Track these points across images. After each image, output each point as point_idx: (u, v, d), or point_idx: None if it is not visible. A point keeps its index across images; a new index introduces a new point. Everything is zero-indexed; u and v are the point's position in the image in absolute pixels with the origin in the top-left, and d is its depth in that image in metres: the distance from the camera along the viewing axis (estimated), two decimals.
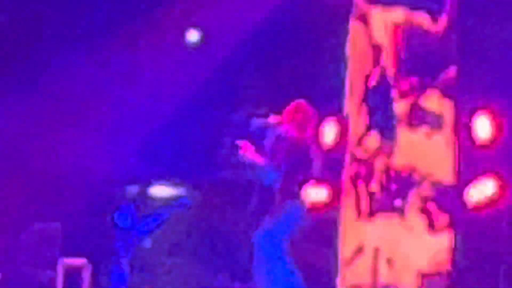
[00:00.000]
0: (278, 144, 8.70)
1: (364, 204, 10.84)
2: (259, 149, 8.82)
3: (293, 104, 8.85)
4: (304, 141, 8.70)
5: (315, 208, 10.69)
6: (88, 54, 11.79)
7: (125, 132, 11.10)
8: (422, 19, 10.79)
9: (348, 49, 10.89)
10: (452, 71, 10.41)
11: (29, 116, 11.61)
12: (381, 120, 10.61)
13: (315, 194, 10.72)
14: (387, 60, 10.67)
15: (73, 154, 11.06)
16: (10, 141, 11.89)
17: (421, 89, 10.25)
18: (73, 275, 10.54)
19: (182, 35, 11.82)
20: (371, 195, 10.73)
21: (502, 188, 10.85)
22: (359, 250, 10.56)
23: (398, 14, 10.85)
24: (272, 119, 8.73)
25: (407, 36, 10.88)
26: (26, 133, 11.71)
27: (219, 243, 11.43)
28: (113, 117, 11.34)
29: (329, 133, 11.13)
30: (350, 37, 10.89)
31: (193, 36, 11.77)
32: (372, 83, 10.56)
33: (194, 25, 11.79)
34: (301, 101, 8.58)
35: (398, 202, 10.96)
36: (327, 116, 10.93)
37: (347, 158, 10.88)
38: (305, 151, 8.74)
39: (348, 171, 10.77)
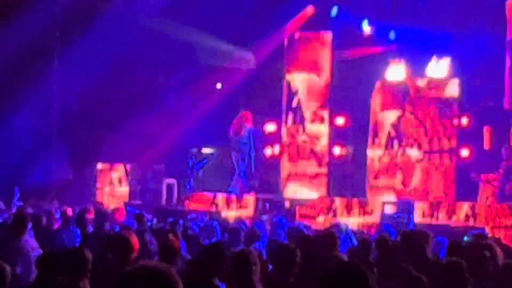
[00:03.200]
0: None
1: None
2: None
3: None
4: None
5: None
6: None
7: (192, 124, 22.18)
8: (314, 77, 20.56)
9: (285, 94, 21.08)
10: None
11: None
12: None
13: None
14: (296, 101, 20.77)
15: (170, 133, 21.94)
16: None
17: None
18: (169, 188, 21.05)
19: None
20: None
21: None
22: None
23: (302, 75, 20.63)
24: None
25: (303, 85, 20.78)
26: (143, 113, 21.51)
27: (226, 169, 21.64)
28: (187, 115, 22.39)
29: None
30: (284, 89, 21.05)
31: None
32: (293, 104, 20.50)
33: None
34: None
35: None
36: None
37: None
38: None
39: None
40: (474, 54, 19.77)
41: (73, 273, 6.23)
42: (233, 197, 19.78)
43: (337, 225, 13.46)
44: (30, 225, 9.83)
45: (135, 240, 7.60)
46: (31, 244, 8.93)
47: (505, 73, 19.99)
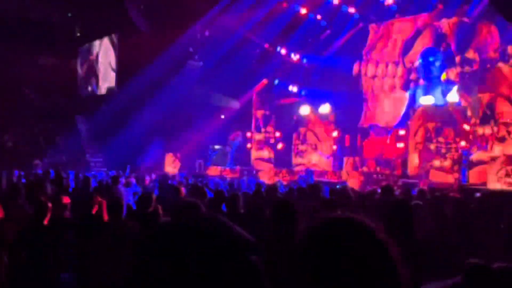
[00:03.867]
0: None
1: None
2: None
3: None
4: None
5: None
6: None
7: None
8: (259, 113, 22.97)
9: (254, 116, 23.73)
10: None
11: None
12: None
13: None
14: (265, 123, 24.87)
15: (200, 138, 22.12)
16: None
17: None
18: (199, 164, 21.62)
19: None
20: None
21: None
22: None
23: (261, 112, 23.25)
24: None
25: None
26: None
27: (226, 157, 22.64)
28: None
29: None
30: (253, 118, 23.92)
31: None
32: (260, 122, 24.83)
33: None
34: None
35: None
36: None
37: None
38: None
39: None
40: (341, 101, 21.65)
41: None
42: (229, 169, 21.29)
43: (278, 181, 14.55)
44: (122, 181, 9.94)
45: (182, 189, 7.23)
46: (121, 190, 8.66)
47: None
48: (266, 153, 22.50)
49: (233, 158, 21.93)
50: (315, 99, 21.57)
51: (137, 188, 9.90)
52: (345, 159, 19.48)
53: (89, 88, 25.86)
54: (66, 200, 5.69)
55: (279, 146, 22.37)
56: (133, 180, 11.33)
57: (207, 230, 0.96)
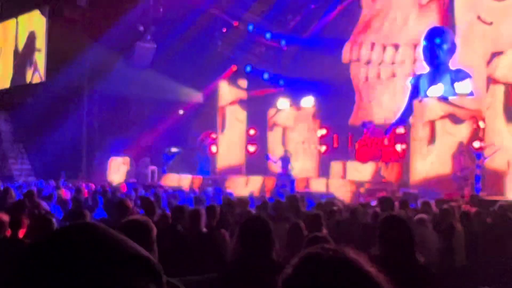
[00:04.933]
0: None
1: None
2: None
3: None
4: None
5: None
6: None
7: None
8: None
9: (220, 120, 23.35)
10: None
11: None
12: None
13: None
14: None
15: (153, 138, 23.65)
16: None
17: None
18: (152, 172, 22.57)
19: None
20: None
21: None
22: None
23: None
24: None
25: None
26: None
27: (187, 162, 23.84)
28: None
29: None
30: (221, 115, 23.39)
31: None
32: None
33: None
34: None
35: None
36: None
37: None
38: None
39: None
40: (327, 92, 22.00)
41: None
42: (189, 176, 21.57)
43: (249, 194, 15.30)
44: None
45: (128, 203, 7.23)
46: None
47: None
48: (235, 158, 23.12)
49: (201, 164, 22.86)
50: (296, 90, 22.26)
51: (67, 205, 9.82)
52: (332, 164, 20.10)
53: (12, 78, 26.27)
54: None
55: (252, 148, 22.94)
56: (67, 193, 11.70)
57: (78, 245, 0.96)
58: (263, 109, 22.97)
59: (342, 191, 17.27)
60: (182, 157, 24.06)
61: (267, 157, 20.48)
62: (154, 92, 23.06)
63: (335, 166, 19.91)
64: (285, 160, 20.08)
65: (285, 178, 19.77)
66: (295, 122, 21.58)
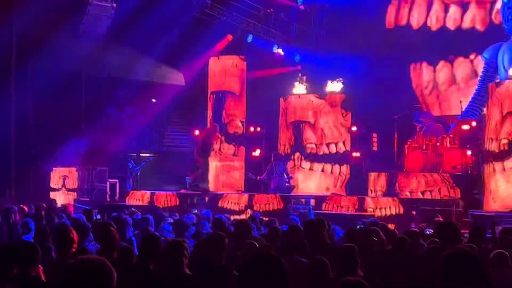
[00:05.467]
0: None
1: None
2: None
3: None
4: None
5: None
6: None
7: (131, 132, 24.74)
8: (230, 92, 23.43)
9: (209, 104, 23.90)
10: (243, 113, 23.33)
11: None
12: None
13: None
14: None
15: (113, 140, 24.33)
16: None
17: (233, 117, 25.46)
18: (112, 186, 23.07)
19: None
20: None
21: None
22: None
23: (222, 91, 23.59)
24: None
25: (224, 101, 23.64)
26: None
27: (163, 172, 25.37)
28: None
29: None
30: (208, 101, 23.88)
31: None
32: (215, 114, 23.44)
33: None
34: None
35: None
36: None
37: None
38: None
39: None
40: (363, 73, 22.61)
41: (26, 262, 6.42)
42: (168, 193, 21.78)
43: (253, 215, 15.00)
44: None
45: (72, 233, 7.66)
46: None
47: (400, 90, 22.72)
48: (232, 166, 24.14)
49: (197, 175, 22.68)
50: (318, 70, 22.96)
51: None
52: (370, 175, 20.55)
53: None
54: None
55: (256, 153, 23.50)
56: None
57: None
58: (271, 96, 23.53)
59: (383, 214, 17.74)
60: (156, 165, 25.14)
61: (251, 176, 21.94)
62: (114, 72, 24.08)
63: (375, 178, 20.33)
64: (278, 167, 21.22)
65: (286, 190, 20.95)
66: (317, 116, 22.14)
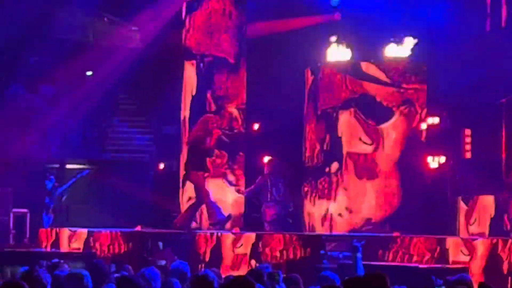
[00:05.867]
0: None
1: None
2: None
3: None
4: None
5: None
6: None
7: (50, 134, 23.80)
8: (225, 60, 22.53)
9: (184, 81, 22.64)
10: (242, 95, 22.41)
11: None
12: None
13: None
14: (208, 85, 22.51)
15: (19, 141, 23.53)
16: None
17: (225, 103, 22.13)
18: (19, 221, 22.20)
19: None
20: None
21: None
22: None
23: (209, 58, 22.60)
24: None
25: (215, 71, 22.68)
26: None
27: (104, 194, 23.77)
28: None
29: None
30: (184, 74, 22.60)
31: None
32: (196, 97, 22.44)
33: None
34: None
35: None
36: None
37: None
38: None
39: None
40: (451, 27, 21.49)
41: None
42: (114, 233, 20.38)
43: (260, 268, 13.66)
44: None
45: None
46: None
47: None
48: (222, 185, 22.76)
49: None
50: (370, 22, 21.74)
51: None
52: (464, 201, 20.11)
53: None
54: None
55: (266, 159, 22.64)
56: None
57: None
58: (290, 67, 22.96)
59: (481, 265, 16.26)
60: (94, 184, 24.41)
61: (239, 190, 22.09)
62: (20, 27, 23.25)
63: (470, 205, 19.95)
64: (276, 183, 21.07)
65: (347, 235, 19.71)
66: (367, 96, 21.26)
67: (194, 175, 20.61)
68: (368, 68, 21.40)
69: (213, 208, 20.48)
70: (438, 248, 17.02)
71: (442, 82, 21.62)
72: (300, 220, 21.76)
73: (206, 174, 20.87)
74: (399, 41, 21.45)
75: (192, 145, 20.95)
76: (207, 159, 20.91)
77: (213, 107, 23.16)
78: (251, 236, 19.04)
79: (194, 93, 23.60)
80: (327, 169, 21.38)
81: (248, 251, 18.69)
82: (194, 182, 20.77)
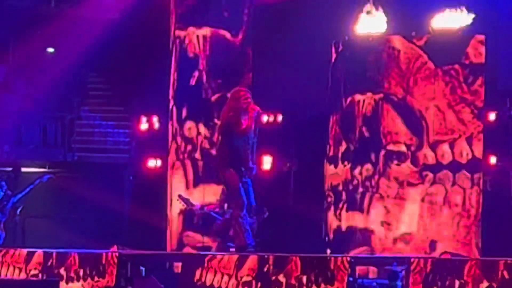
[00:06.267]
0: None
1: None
2: None
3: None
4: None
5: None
6: None
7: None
8: (224, 35, 20.38)
9: (174, 60, 20.95)
10: (248, 77, 20.44)
11: None
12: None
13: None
14: (203, 66, 20.41)
15: None
16: None
17: (226, 88, 19.43)
18: None
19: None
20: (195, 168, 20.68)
21: None
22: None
23: (206, 31, 20.53)
24: None
25: (214, 48, 20.34)
26: None
27: (71, 206, 21.82)
28: None
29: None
30: (173, 51, 20.99)
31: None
32: (192, 82, 20.45)
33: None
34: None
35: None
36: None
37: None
38: None
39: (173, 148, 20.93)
40: None
41: None
42: (84, 255, 16.74)
43: None
44: None
45: None
46: None
47: None
48: (218, 190, 21.32)
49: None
50: None
51: None
52: None
53: None
54: None
55: (267, 164, 22.34)
56: None
57: None
58: (310, 42, 21.61)
59: None
60: (56, 193, 22.62)
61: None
62: None
63: None
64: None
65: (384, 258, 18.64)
66: (408, 82, 19.76)
67: (228, 173, 16.29)
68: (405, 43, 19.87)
69: (243, 228, 16.14)
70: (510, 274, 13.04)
71: (506, 66, 21.12)
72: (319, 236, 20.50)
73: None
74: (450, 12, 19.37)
75: (224, 132, 16.64)
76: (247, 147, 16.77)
77: (210, 94, 21.22)
78: (254, 259, 14.29)
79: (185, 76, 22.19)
80: (356, 172, 20.12)
81: (253, 274, 13.92)
82: (226, 183, 16.73)
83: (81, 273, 15.78)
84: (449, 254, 16.90)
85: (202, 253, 18.33)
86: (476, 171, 19.58)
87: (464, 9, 19.58)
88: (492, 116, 20.51)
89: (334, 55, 20.59)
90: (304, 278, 13.53)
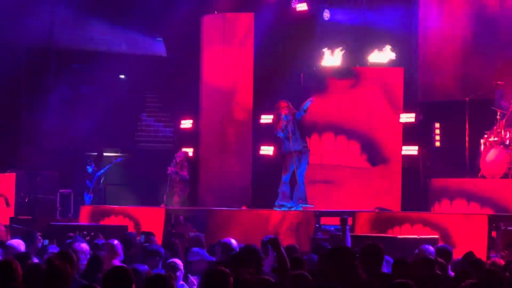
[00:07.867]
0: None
1: None
2: None
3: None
4: None
5: None
6: None
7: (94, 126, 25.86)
8: None
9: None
10: None
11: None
12: None
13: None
14: None
15: (64, 132, 26.03)
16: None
17: None
18: (64, 199, 24.84)
19: None
20: None
21: None
22: None
23: None
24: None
25: None
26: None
27: (135, 178, 26.68)
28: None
29: None
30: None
31: None
32: None
33: None
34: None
35: None
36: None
37: None
38: None
39: None
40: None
41: None
42: (144, 209, 22.34)
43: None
44: None
45: (15, 267, 8.23)
46: None
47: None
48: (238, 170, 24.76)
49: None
50: (355, 36, 23.91)
51: None
52: (434, 183, 21.01)
53: None
54: None
55: (267, 150, 23.72)
56: None
57: None
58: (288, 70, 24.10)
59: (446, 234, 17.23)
60: (127, 169, 26.11)
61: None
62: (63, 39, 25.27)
63: (438, 186, 20.63)
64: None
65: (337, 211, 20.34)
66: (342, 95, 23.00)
67: (283, 157, 21.48)
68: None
69: (285, 190, 21.15)
70: None
71: (416, 83, 22.97)
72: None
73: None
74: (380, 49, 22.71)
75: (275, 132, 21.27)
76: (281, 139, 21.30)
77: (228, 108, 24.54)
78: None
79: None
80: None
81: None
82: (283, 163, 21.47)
83: (141, 221, 21.04)
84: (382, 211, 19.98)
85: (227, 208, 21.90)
86: None
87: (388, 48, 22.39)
88: None
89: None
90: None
